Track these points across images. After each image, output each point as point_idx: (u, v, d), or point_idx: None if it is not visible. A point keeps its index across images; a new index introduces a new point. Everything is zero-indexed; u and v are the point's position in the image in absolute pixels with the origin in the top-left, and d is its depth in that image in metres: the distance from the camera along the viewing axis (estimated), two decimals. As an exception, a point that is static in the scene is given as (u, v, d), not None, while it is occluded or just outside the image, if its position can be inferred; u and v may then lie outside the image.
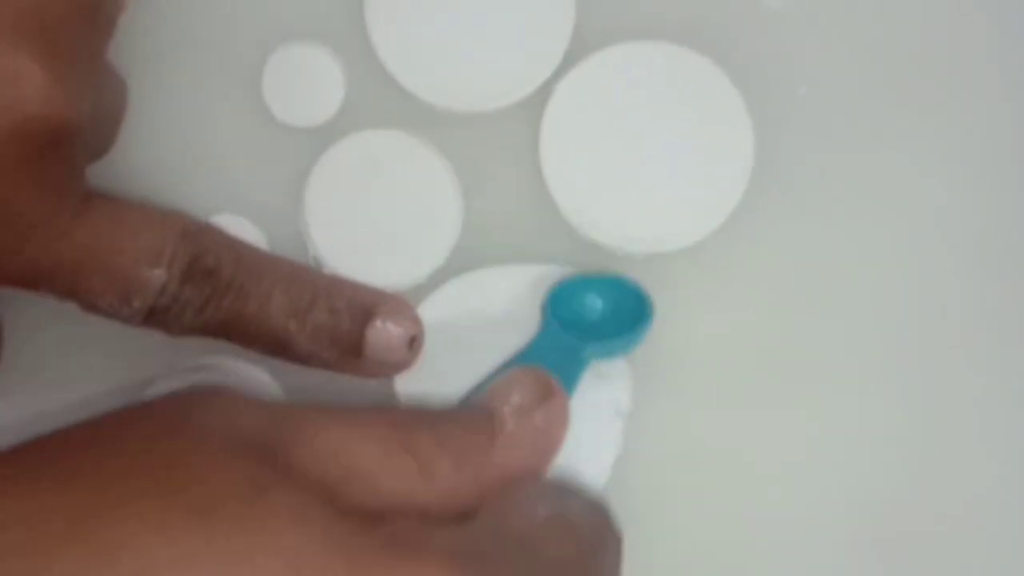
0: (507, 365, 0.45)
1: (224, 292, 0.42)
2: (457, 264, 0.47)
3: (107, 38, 0.41)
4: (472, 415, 0.42)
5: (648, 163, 0.47)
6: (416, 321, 0.45)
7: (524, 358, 0.45)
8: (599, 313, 0.46)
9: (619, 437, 0.46)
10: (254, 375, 0.46)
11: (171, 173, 0.47)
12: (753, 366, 0.47)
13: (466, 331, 0.46)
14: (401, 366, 0.45)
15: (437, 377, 0.46)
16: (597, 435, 0.46)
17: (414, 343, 0.45)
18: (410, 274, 0.47)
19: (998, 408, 0.47)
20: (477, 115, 0.47)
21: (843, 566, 0.46)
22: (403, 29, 0.47)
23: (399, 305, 0.45)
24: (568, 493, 0.42)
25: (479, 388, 0.44)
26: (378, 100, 0.47)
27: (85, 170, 0.42)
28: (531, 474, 0.41)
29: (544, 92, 0.47)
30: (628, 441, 0.46)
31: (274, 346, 0.43)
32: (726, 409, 0.47)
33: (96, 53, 0.41)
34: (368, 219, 0.47)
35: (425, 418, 0.40)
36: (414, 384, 0.46)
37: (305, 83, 0.47)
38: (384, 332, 0.44)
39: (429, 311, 0.46)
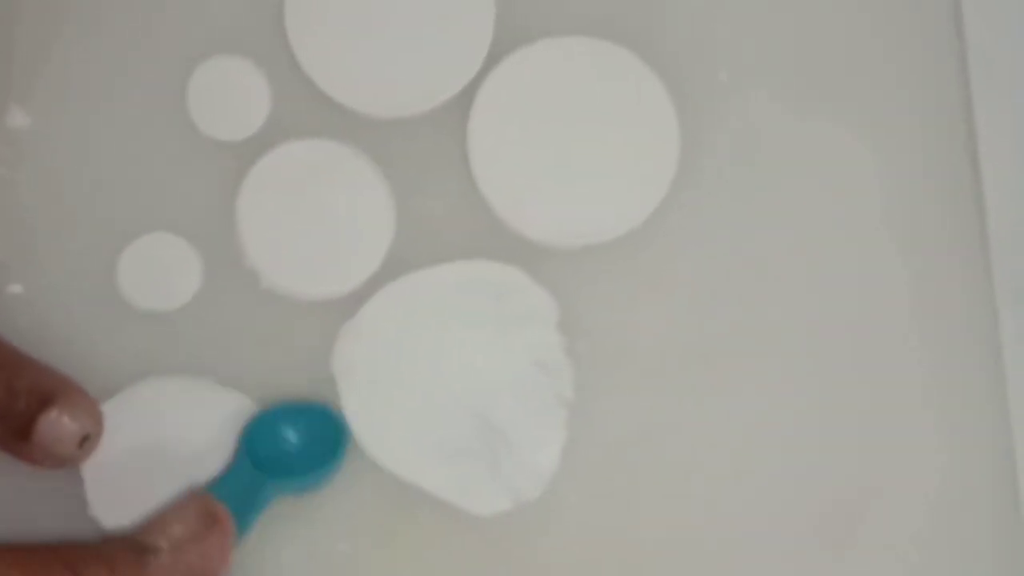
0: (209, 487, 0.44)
1: None
2: (393, 268, 0.47)
3: None
4: (122, 551, 0.40)
5: (576, 156, 0.47)
6: (95, 421, 0.44)
7: (213, 487, 0.44)
8: (295, 446, 0.45)
9: (564, 425, 0.46)
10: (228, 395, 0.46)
11: (100, 193, 0.47)
12: (693, 351, 0.47)
13: (407, 334, 0.46)
14: (69, 461, 0.44)
15: (384, 386, 0.46)
16: (543, 425, 0.46)
17: (86, 442, 0.44)
18: (346, 281, 0.47)
19: (937, 386, 0.47)
20: (404, 119, 0.47)
21: (790, 542, 0.47)
22: (325, 38, 0.47)
23: (81, 400, 0.44)
24: None
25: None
26: (305, 110, 0.47)
27: None
28: None
29: (469, 92, 0.47)
30: (575, 429, 0.46)
31: None
32: (669, 395, 0.47)
33: None
34: (302, 229, 0.47)
35: (71, 557, 0.39)
36: (362, 399, 0.46)
37: (231, 97, 0.47)
38: (56, 423, 0.43)
39: (369, 317, 0.46)
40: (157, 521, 0.42)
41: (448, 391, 0.46)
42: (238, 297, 0.47)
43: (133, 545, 0.41)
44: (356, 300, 0.47)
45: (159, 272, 0.46)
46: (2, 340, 0.44)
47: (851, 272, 0.48)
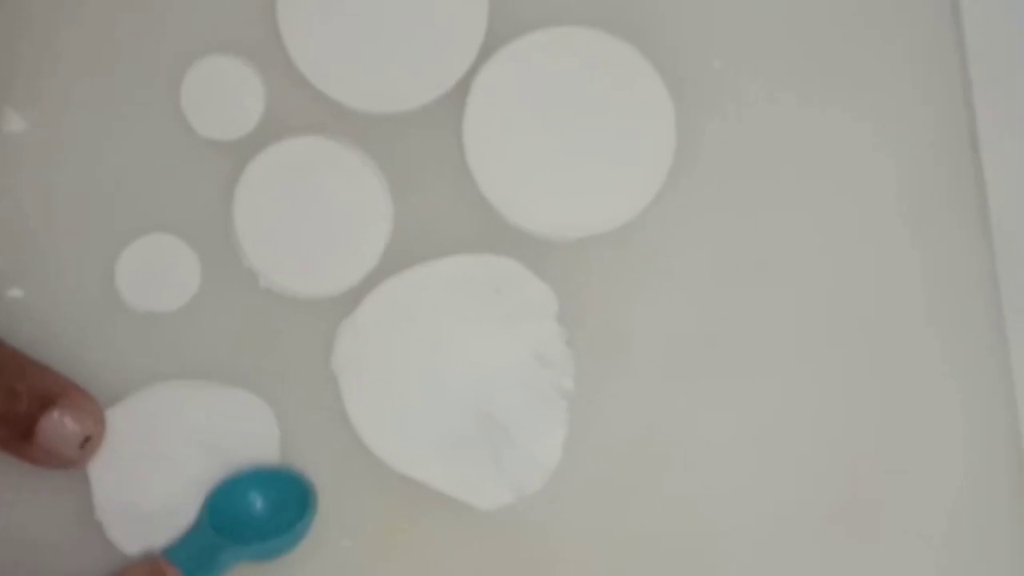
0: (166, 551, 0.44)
1: None
2: (391, 264, 0.47)
3: None
4: None
5: (573, 147, 0.47)
6: (97, 422, 0.44)
7: (170, 550, 0.44)
8: (259, 512, 0.45)
9: (565, 418, 0.46)
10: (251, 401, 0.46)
11: (96, 196, 0.47)
12: (693, 341, 0.47)
13: (406, 329, 0.46)
14: (71, 463, 0.44)
15: (385, 383, 0.46)
16: (544, 417, 0.46)
17: (88, 443, 0.44)
18: (345, 278, 0.47)
19: (949, 376, 0.47)
20: (399, 114, 0.47)
21: (799, 534, 0.47)
22: (318, 35, 0.47)
23: (83, 402, 0.44)
24: None
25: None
26: (299, 107, 0.47)
27: None
28: None
29: (464, 85, 0.47)
30: (576, 421, 0.46)
31: None
32: (670, 385, 0.47)
33: None
34: (299, 227, 0.47)
35: None
36: (363, 396, 0.46)
37: (225, 95, 0.47)
38: (59, 424, 0.43)
39: (368, 313, 0.46)
40: None
41: (448, 385, 0.46)
42: (237, 297, 0.47)
43: None
44: (355, 297, 0.47)
45: (158, 274, 0.46)
46: (3, 343, 0.44)
47: (852, 260, 0.48)
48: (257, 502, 0.45)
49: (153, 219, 0.47)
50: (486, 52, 0.47)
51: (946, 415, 0.47)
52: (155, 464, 0.45)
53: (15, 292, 0.46)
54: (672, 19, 0.48)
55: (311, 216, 0.47)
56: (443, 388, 0.46)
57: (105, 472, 0.45)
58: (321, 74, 0.47)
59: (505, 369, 0.46)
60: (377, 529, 0.46)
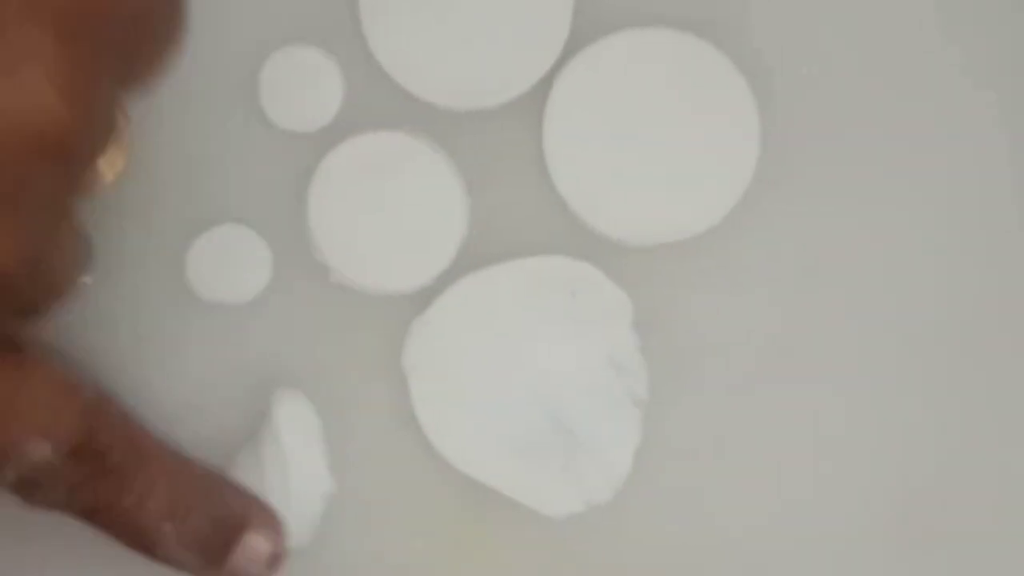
0: None
1: (104, 476, 0.40)
2: (465, 263, 0.46)
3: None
4: None
5: (654, 152, 0.46)
6: (284, 537, 0.43)
7: None
8: None
9: (638, 426, 0.46)
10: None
11: (170, 185, 0.46)
12: (770, 353, 0.46)
13: (479, 330, 0.46)
14: None
15: (455, 384, 0.46)
16: (616, 425, 0.45)
17: (276, 561, 0.43)
18: (418, 276, 0.46)
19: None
20: (479, 112, 0.46)
21: (868, 555, 0.46)
22: (399, 28, 0.46)
23: (271, 520, 0.43)
24: None
25: None
26: (377, 101, 0.46)
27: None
28: None
29: (545, 85, 0.46)
30: (649, 431, 0.45)
31: (140, 543, 0.41)
32: (746, 395, 0.46)
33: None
34: (373, 223, 0.46)
35: None
36: (433, 397, 0.45)
37: (303, 87, 0.46)
38: (251, 548, 0.42)
39: (440, 313, 0.46)
40: None
41: (520, 389, 0.46)
42: (308, 291, 0.46)
43: None
44: (428, 296, 0.46)
45: (228, 265, 0.46)
46: (185, 460, 0.43)
47: (939, 269, 0.47)
48: None
49: (226, 209, 0.46)
50: (569, 51, 0.46)
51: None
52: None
53: (84, 279, 0.46)
54: (761, 23, 0.47)
55: (386, 212, 0.46)
56: (514, 391, 0.46)
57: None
58: (401, 68, 0.46)
59: (577, 375, 0.46)
60: (443, 532, 0.45)
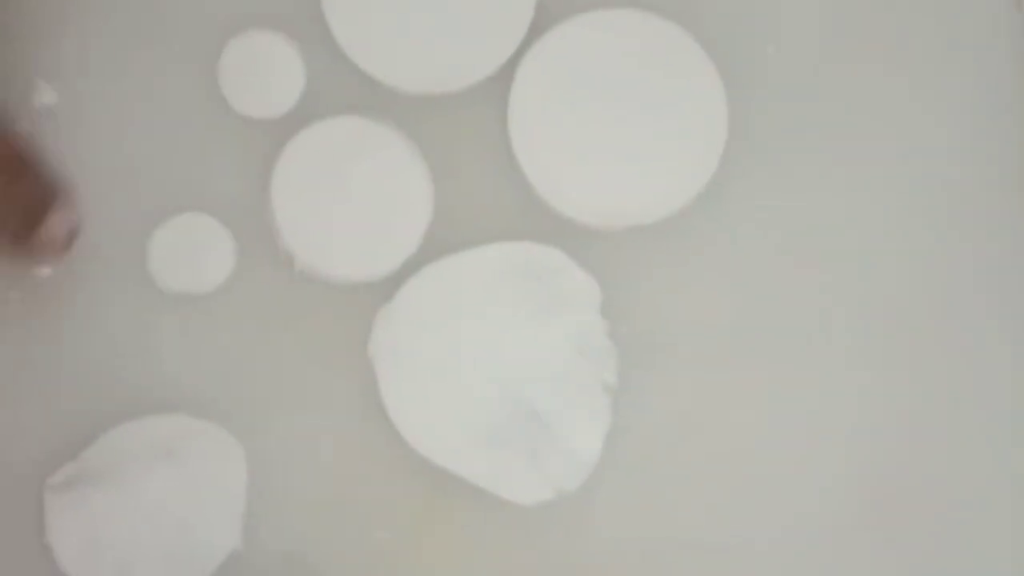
0: None
1: None
2: (431, 250, 0.46)
3: None
4: None
5: (620, 135, 0.46)
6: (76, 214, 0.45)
7: None
8: None
9: (607, 412, 0.45)
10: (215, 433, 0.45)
11: (130, 173, 0.46)
12: (739, 334, 0.46)
13: (445, 317, 0.45)
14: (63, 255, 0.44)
15: (422, 372, 0.45)
16: (585, 411, 0.45)
17: (72, 236, 0.44)
18: (384, 264, 0.45)
19: (994, 375, 0.46)
20: (443, 96, 0.46)
21: (837, 535, 0.46)
22: (361, 12, 0.46)
23: (68, 197, 0.44)
24: None
25: None
26: (340, 87, 0.46)
27: None
28: None
29: (510, 68, 0.46)
30: (618, 416, 0.45)
31: None
32: (714, 379, 0.46)
33: None
34: (337, 209, 0.46)
35: None
36: (399, 385, 0.45)
37: (264, 73, 0.46)
38: (54, 225, 0.43)
39: (406, 300, 0.45)
40: None
41: (487, 376, 0.45)
42: (272, 280, 0.45)
43: None
44: (394, 283, 0.45)
45: (191, 254, 0.45)
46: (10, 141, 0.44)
47: (904, 253, 0.46)
48: None
49: (188, 198, 0.45)
50: (534, 34, 0.46)
51: (997, 419, 0.46)
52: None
53: (44, 270, 0.45)
54: (725, 3, 0.46)
55: (350, 199, 0.46)
56: (481, 379, 0.45)
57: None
58: (363, 52, 0.46)
59: (545, 361, 0.45)
60: (412, 521, 0.45)
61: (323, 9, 0.46)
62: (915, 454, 0.46)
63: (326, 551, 0.44)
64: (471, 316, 0.45)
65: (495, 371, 0.45)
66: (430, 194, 0.46)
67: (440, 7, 0.46)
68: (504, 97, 0.46)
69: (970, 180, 0.47)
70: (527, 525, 0.45)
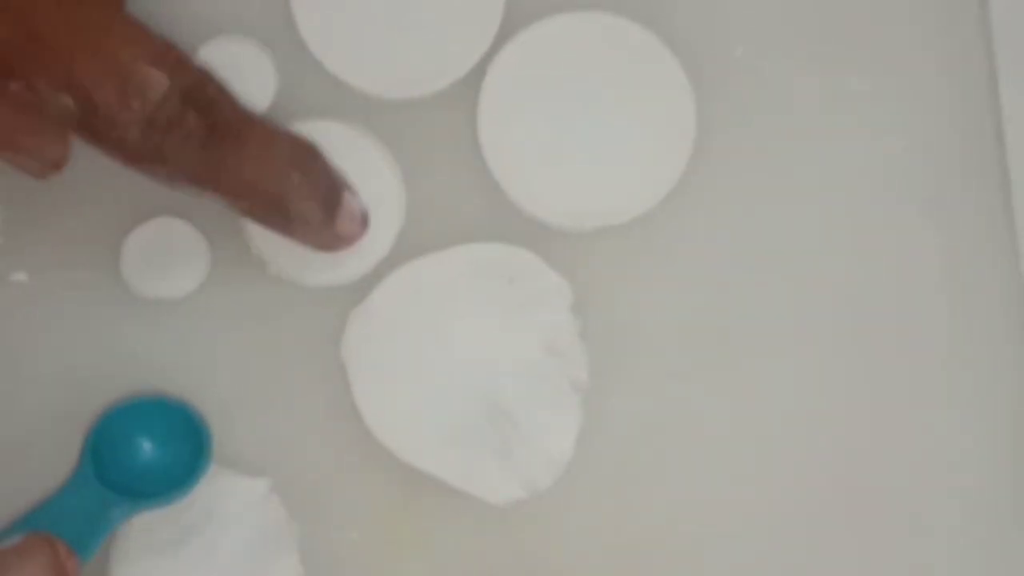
0: (32, 517, 0.40)
1: (220, 129, 0.39)
2: (402, 252, 0.46)
3: None
4: None
5: (590, 136, 0.46)
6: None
7: (51, 508, 0.40)
8: (150, 458, 0.41)
9: (579, 411, 0.46)
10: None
11: (103, 178, 0.45)
12: (710, 333, 0.46)
13: (417, 319, 0.46)
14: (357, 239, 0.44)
15: (394, 373, 0.45)
16: (557, 411, 0.45)
17: (366, 220, 0.45)
18: (355, 266, 0.46)
19: (962, 364, 0.47)
20: (413, 100, 0.46)
21: (805, 530, 0.46)
22: (331, 17, 0.46)
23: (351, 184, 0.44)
24: None
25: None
26: (311, 91, 0.46)
27: None
28: None
29: (479, 71, 0.46)
30: (590, 415, 0.45)
31: (268, 199, 0.41)
32: (686, 378, 0.46)
33: None
34: (309, 212, 0.46)
35: None
36: (372, 386, 0.45)
37: (236, 78, 0.45)
38: (351, 205, 0.44)
39: (378, 302, 0.46)
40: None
41: (459, 377, 0.46)
42: (246, 284, 0.46)
43: None
44: (366, 285, 0.46)
45: (164, 259, 0.46)
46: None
47: (873, 251, 0.47)
48: (146, 447, 0.41)
49: (161, 202, 0.46)
50: (502, 37, 0.46)
51: (959, 411, 0.46)
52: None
53: (19, 276, 0.46)
54: (693, 5, 0.47)
55: (322, 202, 0.46)
56: (453, 379, 0.46)
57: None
58: (334, 57, 0.46)
59: (517, 361, 0.46)
60: (385, 521, 0.45)
61: (294, 14, 0.46)
62: (883, 449, 0.46)
63: (298, 551, 0.45)
64: (443, 317, 0.46)
65: (467, 371, 0.46)
66: (402, 197, 0.46)
67: (410, 11, 0.46)
68: (474, 100, 0.46)
69: (937, 180, 0.47)
70: (500, 524, 0.45)
